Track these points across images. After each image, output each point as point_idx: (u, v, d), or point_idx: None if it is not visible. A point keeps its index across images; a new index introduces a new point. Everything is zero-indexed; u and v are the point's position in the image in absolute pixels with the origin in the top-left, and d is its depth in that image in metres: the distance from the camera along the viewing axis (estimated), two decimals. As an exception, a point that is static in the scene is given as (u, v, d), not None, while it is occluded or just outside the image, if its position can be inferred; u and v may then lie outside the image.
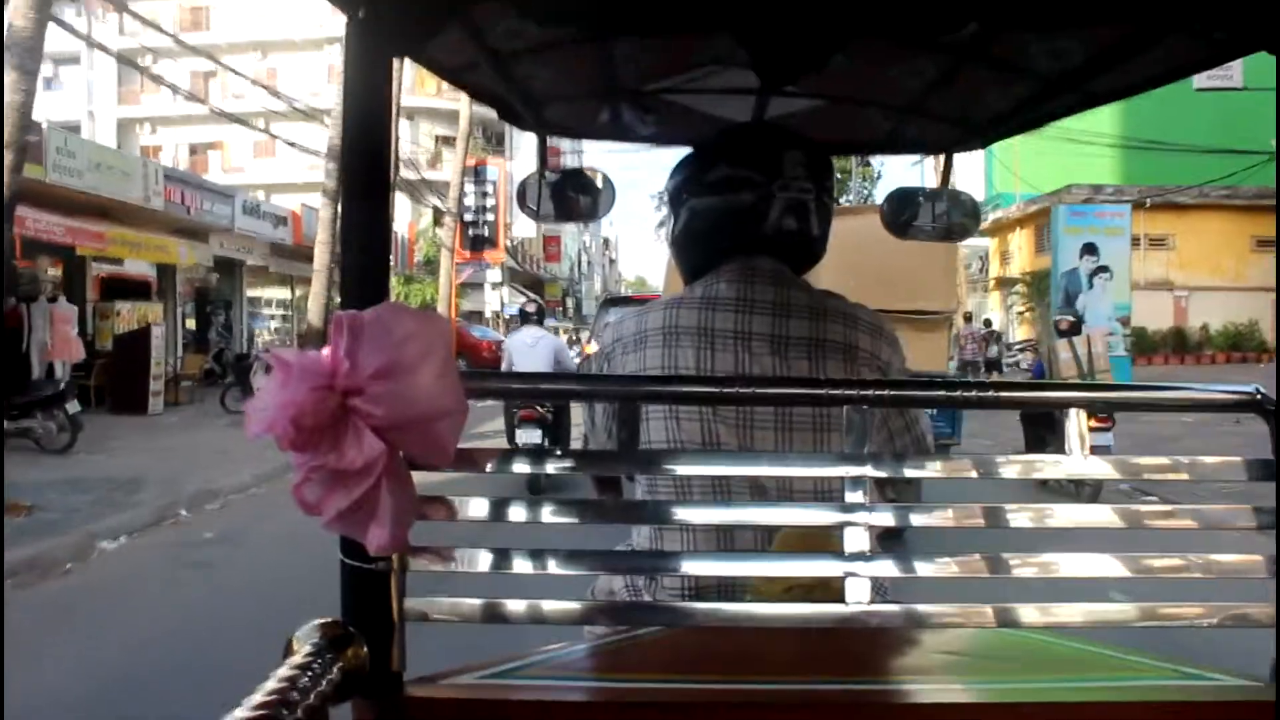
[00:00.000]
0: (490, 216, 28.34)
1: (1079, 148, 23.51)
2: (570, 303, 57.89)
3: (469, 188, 26.79)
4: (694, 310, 1.29)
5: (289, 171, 32.47)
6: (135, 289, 16.53)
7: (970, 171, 29.38)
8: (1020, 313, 26.03)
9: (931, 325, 6.27)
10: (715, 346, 1.26)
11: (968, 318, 19.69)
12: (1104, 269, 19.22)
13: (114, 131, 32.94)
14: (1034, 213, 26.87)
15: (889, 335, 1.33)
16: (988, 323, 22.19)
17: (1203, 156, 23.61)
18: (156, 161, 18.18)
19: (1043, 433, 7.31)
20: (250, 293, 23.42)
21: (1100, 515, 0.84)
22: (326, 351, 0.72)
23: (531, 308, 8.50)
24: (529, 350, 7.55)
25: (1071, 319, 8.65)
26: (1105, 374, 8.00)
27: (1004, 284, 29.33)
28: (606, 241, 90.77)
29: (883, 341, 1.31)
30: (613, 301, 16.76)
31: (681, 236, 1.40)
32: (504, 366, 8.01)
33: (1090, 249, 19.24)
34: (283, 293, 25.55)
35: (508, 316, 35.69)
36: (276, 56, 33.27)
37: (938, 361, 6.44)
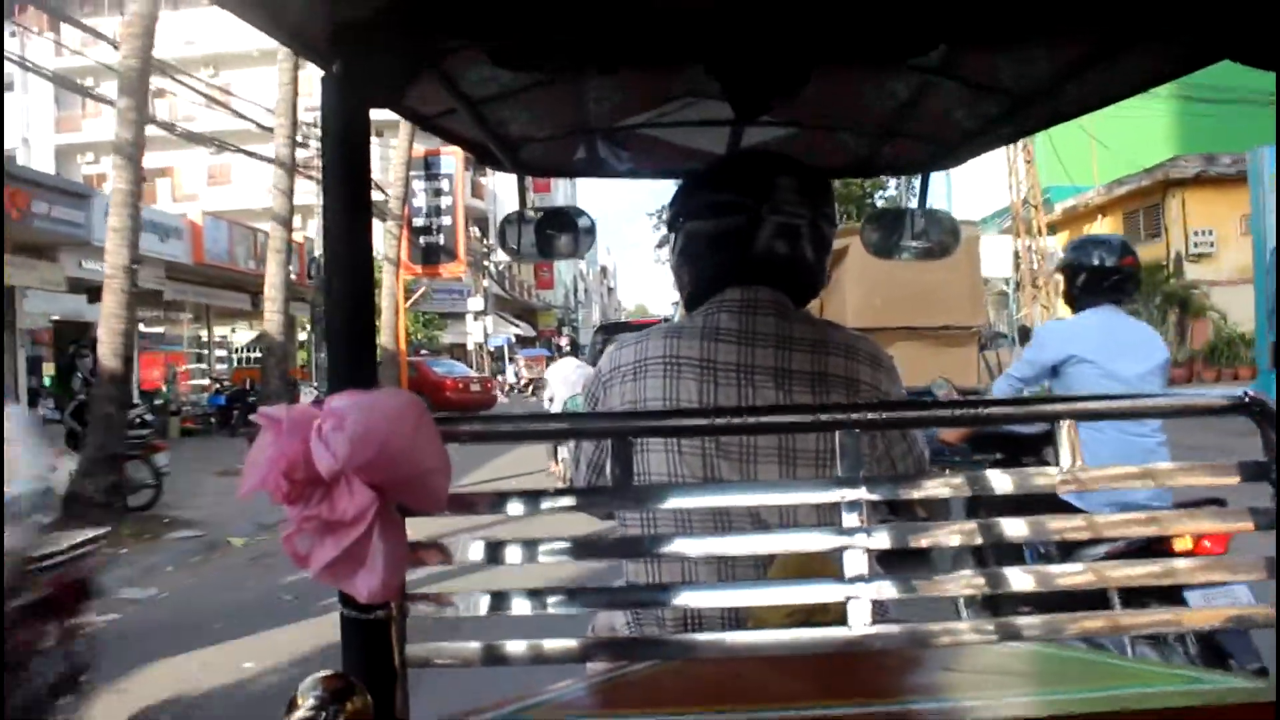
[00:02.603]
0: (446, 220, 23.40)
1: (1145, 121, 21.88)
2: (566, 332, 58.31)
3: (418, 184, 22.47)
4: (695, 341, 1.41)
5: (247, 197, 32.83)
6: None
7: (1015, 167, 28.74)
8: (1124, 317, 24.66)
9: (959, 340, 6.74)
10: (718, 380, 1.39)
11: None
12: (1337, 237, 15.32)
13: (52, 159, 33.43)
14: (1123, 196, 24.54)
15: (888, 366, 1.47)
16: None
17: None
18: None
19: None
20: (154, 329, 21.19)
21: (1100, 522, 0.94)
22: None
23: (564, 342, 11.58)
24: (567, 377, 10.00)
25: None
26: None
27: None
28: (604, 270, 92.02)
29: (882, 372, 1.45)
30: (609, 328, 16.97)
31: (679, 261, 1.55)
32: (546, 393, 10.33)
33: (1314, 210, 15.34)
34: (197, 329, 23.22)
35: (491, 349, 35.60)
36: (230, 72, 33.78)
37: (967, 375, 6.85)
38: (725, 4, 0.99)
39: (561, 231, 1.84)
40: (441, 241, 23.32)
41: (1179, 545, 2.54)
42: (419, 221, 22.84)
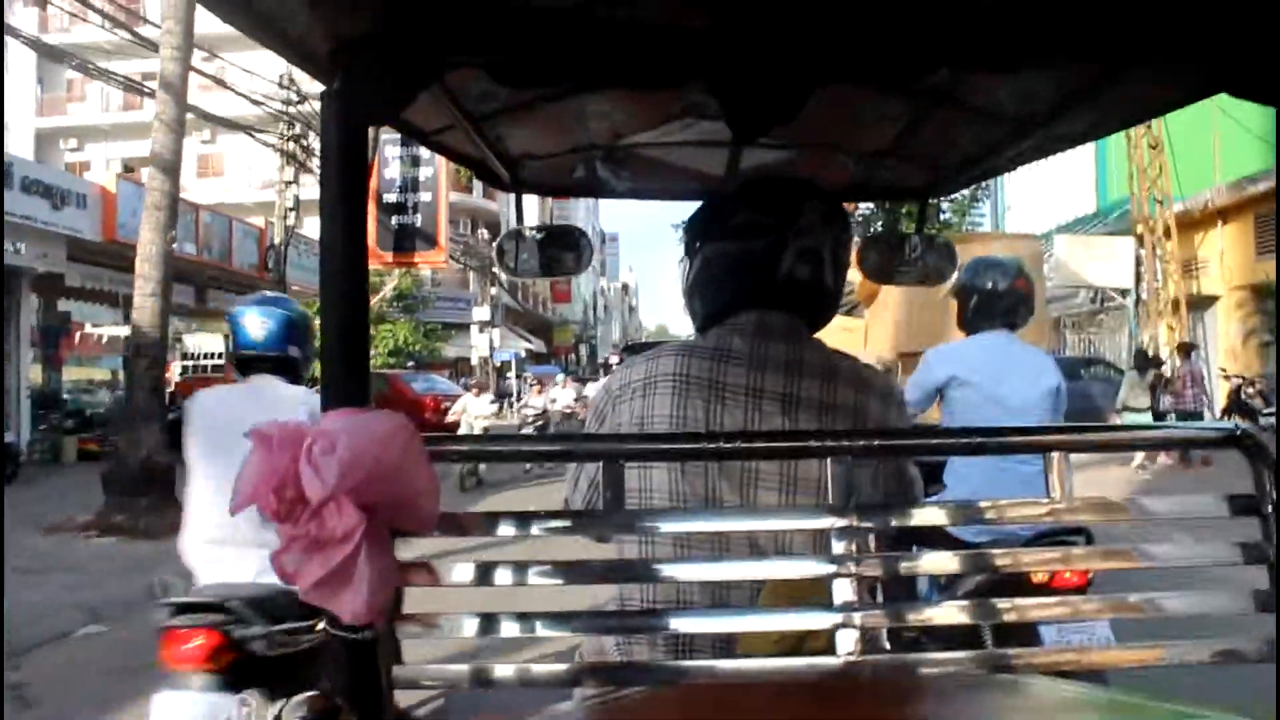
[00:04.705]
0: (425, 196, 20.01)
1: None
2: (584, 350, 58.34)
3: (390, 150, 19.55)
4: (706, 361, 1.52)
5: (239, 191, 33.31)
6: None
7: (1079, 181, 28.13)
8: (1265, 344, 20.49)
9: None
10: (726, 401, 1.49)
11: (1185, 351, 16.80)
12: None
13: (32, 145, 33.98)
14: (1255, 196, 20.44)
15: (896, 401, 1.58)
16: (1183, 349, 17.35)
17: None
18: None
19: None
20: (111, 328, 18.99)
21: (1089, 556, 1.02)
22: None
23: (615, 358, 12.15)
24: None
25: None
26: None
27: (1193, 305, 22.46)
28: (626, 287, 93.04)
29: (892, 407, 1.55)
30: (635, 349, 17.24)
31: (696, 283, 1.66)
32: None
33: None
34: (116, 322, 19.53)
35: (498, 364, 35.58)
36: (227, 56, 34.19)
37: None
38: (725, 24, 1.08)
39: (560, 250, 1.98)
40: (419, 224, 19.89)
41: (1037, 578, 2.66)
42: (390, 197, 19.49)
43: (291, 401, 2.99)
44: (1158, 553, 1.04)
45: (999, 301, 3.46)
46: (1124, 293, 20.96)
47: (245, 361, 3.11)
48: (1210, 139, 21.45)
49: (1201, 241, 23.05)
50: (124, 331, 20.65)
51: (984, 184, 24.51)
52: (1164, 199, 21.95)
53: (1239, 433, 1.05)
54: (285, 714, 0.92)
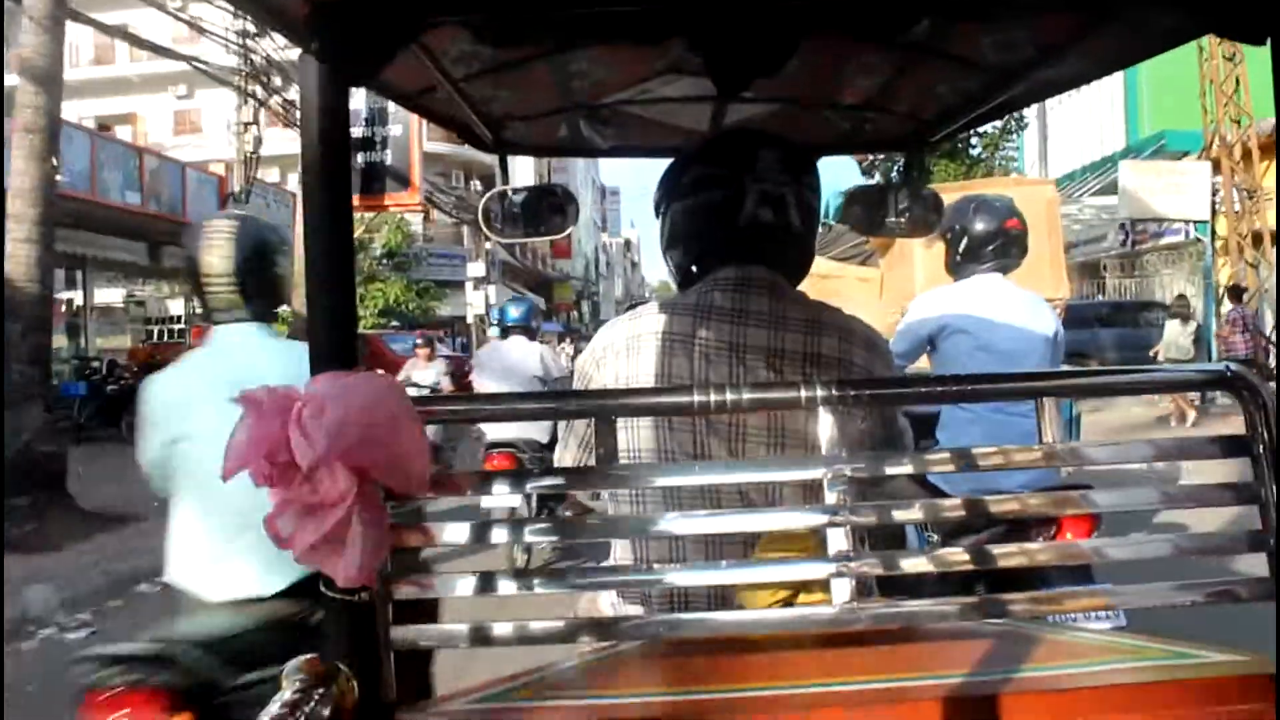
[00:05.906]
0: (395, 130, 18.38)
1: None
2: (586, 307, 58.27)
3: None
4: (688, 318, 1.58)
5: (218, 147, 33.08)
6: None
7: (1108, 114, 27.09)
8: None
9: None
10: (710, 358, 1.55)
11: (1235, 295, 15.60)
12: None
13: (-1, 104, 33.66)
14: None
15: (882, 350, 1.63)
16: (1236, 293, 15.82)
17: None
18: None
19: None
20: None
21: (1081, 499, 1.07)
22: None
23: None
24: None
25: None
26: None
27: (1257, 242, 19.63)
28: (628, 243, 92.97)
29: (876, 356, 1.61)
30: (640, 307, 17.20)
31: (669, 242, 1.73)
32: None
33: None
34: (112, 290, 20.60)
35: (494, 322, 35.49)
36: (201, 4, 33.80)
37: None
38: None
39: (546, 210, 2.01)
40: (388, 160, 18.32)
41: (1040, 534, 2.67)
42: (355, 132, 17.63)
43: (536, 350, 6.86)
44: (1149, 497, 1.08)
45: (989, 243, 3.38)
46: (1197, 225, 19.61)
47: (507, 328, 7.08)
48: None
49: (1265, 171, 20.63)
50: (71, 295, 19.94)
51: (1019, 117, 23.86)
52: (1242, 117, 19.58)
53: (1229, 374, 1.09)
54: (283, 679, 0.96)
